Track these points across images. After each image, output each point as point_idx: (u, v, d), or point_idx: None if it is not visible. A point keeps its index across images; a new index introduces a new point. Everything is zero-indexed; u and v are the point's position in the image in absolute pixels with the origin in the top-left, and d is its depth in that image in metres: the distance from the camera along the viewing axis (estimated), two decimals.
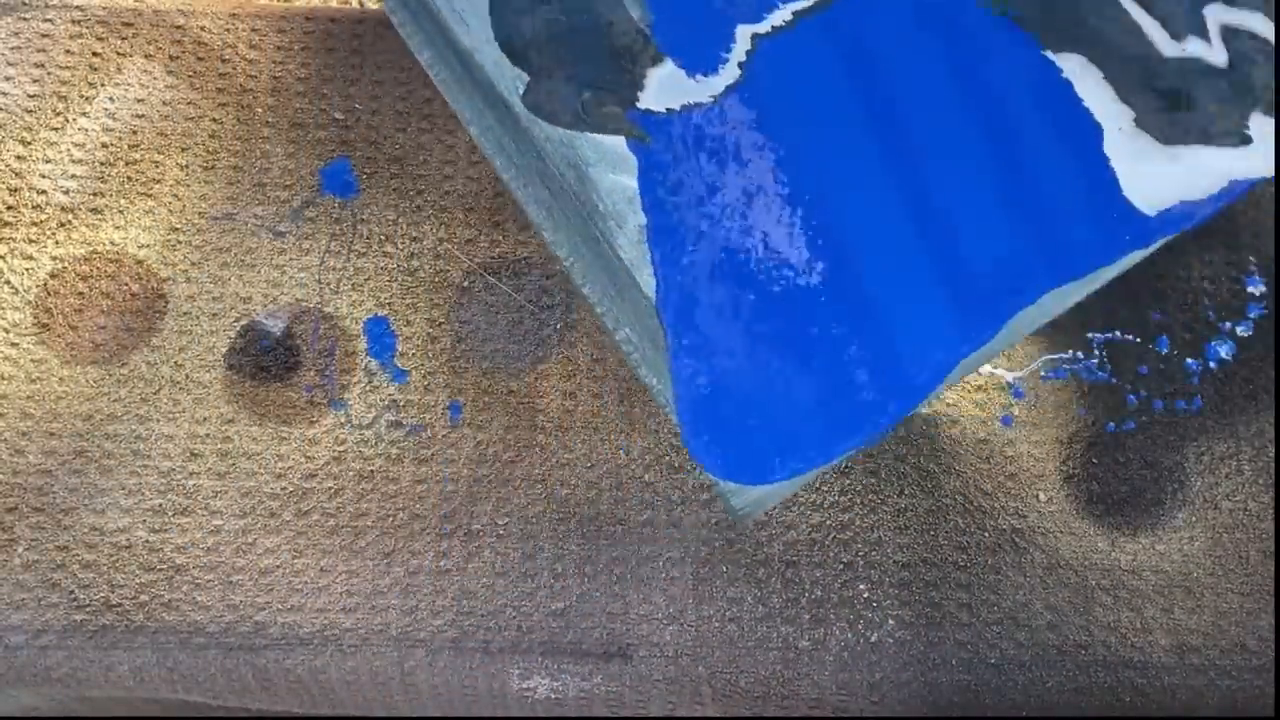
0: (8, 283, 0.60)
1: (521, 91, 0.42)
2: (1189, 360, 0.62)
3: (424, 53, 0.45)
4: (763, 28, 0.41)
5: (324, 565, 0.58)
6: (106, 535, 0.58)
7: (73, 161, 0.62)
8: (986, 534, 0.59)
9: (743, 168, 0.41)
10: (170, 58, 0.63)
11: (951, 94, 0.41)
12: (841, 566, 0.58)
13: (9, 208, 0.61)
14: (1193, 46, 0.43)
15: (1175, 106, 0.43)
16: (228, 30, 0.64)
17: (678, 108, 0.41)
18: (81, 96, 0.62)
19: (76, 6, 0.64)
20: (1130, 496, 0.60)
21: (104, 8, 0.64)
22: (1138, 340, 0.62)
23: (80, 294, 0.60)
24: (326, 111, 0.63)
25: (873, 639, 0.58)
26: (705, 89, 0.41)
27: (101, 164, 0.62)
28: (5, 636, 0.56)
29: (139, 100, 0.63)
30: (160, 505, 0.58)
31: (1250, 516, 0.60)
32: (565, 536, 0.59)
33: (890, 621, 0.58)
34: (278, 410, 0.60)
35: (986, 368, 0.61)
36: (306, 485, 0.59)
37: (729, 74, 0.41)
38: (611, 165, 0.42)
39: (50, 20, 0.63)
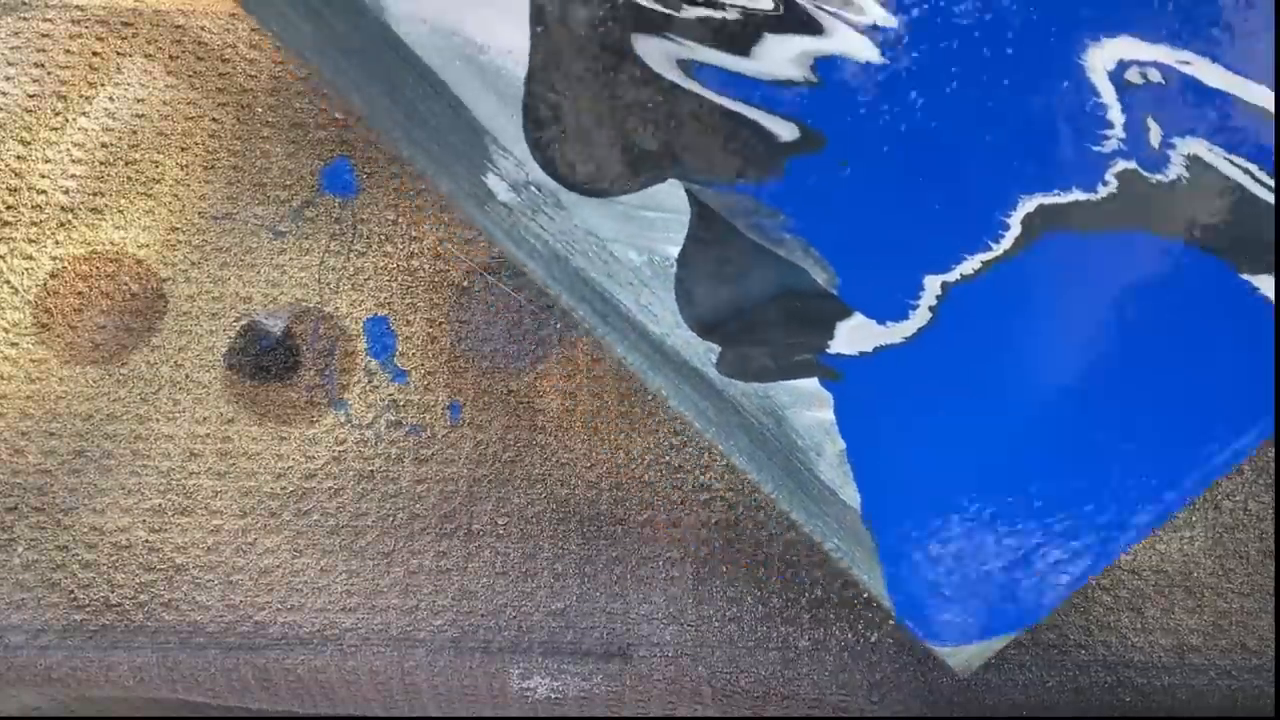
0: (7, 283, 0.60)
1: (715, 361, 0.44)
2: None
3: (616, 349, 0.46)
4: (951, 276, 0.42)
5: (324, 565, 0.58)
6: (106, 535, 0.58)
7: (72, 161, 0.62)
8: None
9: (938, 394, 0.44)
10: (170, 58, 0.63)
11: (1144, 312, 0.43)
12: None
13: (9, 208, 0.61)
14: None
15: None
16: (228, 30, 0.64)
17: (870, 349, 0.43)
18: (81, 96, 0.62)
19: (76, 6, 0.64)
20: None
21: (104, 8, 0.64)
22: None
23: (80, 294, 0.60)
24: (326, 111, 0.63)
25: (873, 639, 0.58)
26: (897, 332, 0.43)
27: (101, 164, 0.62)
28: (5, 636, 0.56)
29: (139, 100, 0.63)
30: (160, 505, 0.58)
31: (1250, 516, 0.60)
32: (565, 536, 0.59)
33: (890, 621, 0.58)
34: (278, 410, 0.60)
35: None
36: (306, 485, 0.59)
37: (920, 317, 0.43)
38: (807, 404, 0.44)
39: (50, 20, 0.63)
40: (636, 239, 0.43)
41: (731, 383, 0.45)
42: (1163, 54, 0.39)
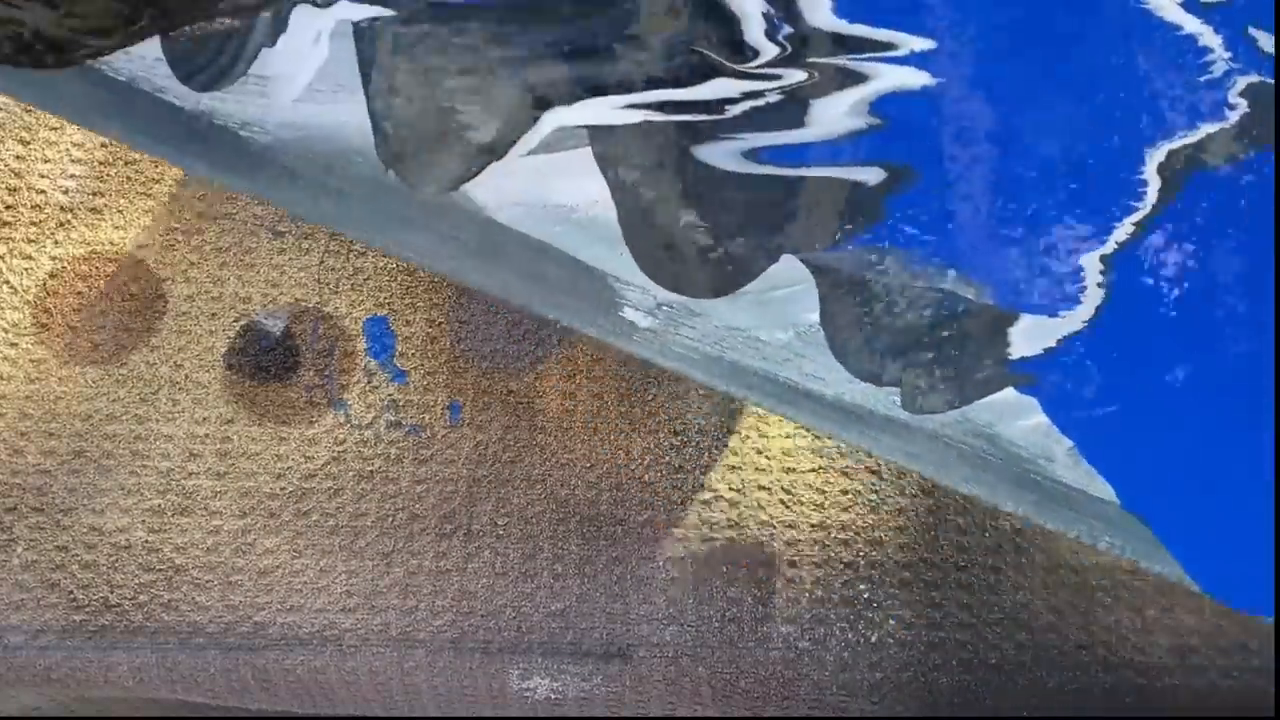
0: (7, 283, 0.60)
1: (899, 403, 0.43)
2: None
3: (801, 421, 0.45)
4: (1107, 249, 0.40)
5: (323, 565, 0.58)
6: (105, 535, 0.58)
7: (72, 161, 0.62)
8: (986, 534, 0.59)
9: (1150, 361, 0.41)
10: None
11: None
12: (842, 566, 0.58)
13: (8, 207, 0.61)
14: None
15: None
16: None
17: (1054, 344, 0.41)
18: None
19: None
20: None
21: None
22: None
23: (79, 294, 0.60)
24: None
25: (873, 639, 0.58)
26: (1075, 319, 0.41)
27: (100, 164, 0.62)
28: (5, 636, 0.56)
29: None
30: (159, 505, 0.58)
31: None
32: (565, 536, 0.58)
33: (891, 621, 0.58)
34: (277, 410, 0.59)
35: None
36: (306, 485, 0.59)
37: (1094, 297, 0.40)
38: (1014, 415, 0.42)
39: None
40: (777, 319, 0.43)
41: (926, 418, 0.43)
42: None
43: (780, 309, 0.43)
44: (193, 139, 0.41)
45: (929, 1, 0.38)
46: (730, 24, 0.37)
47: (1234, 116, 0.38)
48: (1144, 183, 0.39)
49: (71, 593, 0.57)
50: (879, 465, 0.60)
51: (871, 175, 0.39)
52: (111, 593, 0.57)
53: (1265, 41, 0.37)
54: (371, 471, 0.59)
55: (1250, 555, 0.42)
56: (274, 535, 0.58)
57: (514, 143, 0.40)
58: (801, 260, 0.41)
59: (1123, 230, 0.40)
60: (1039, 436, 0.43)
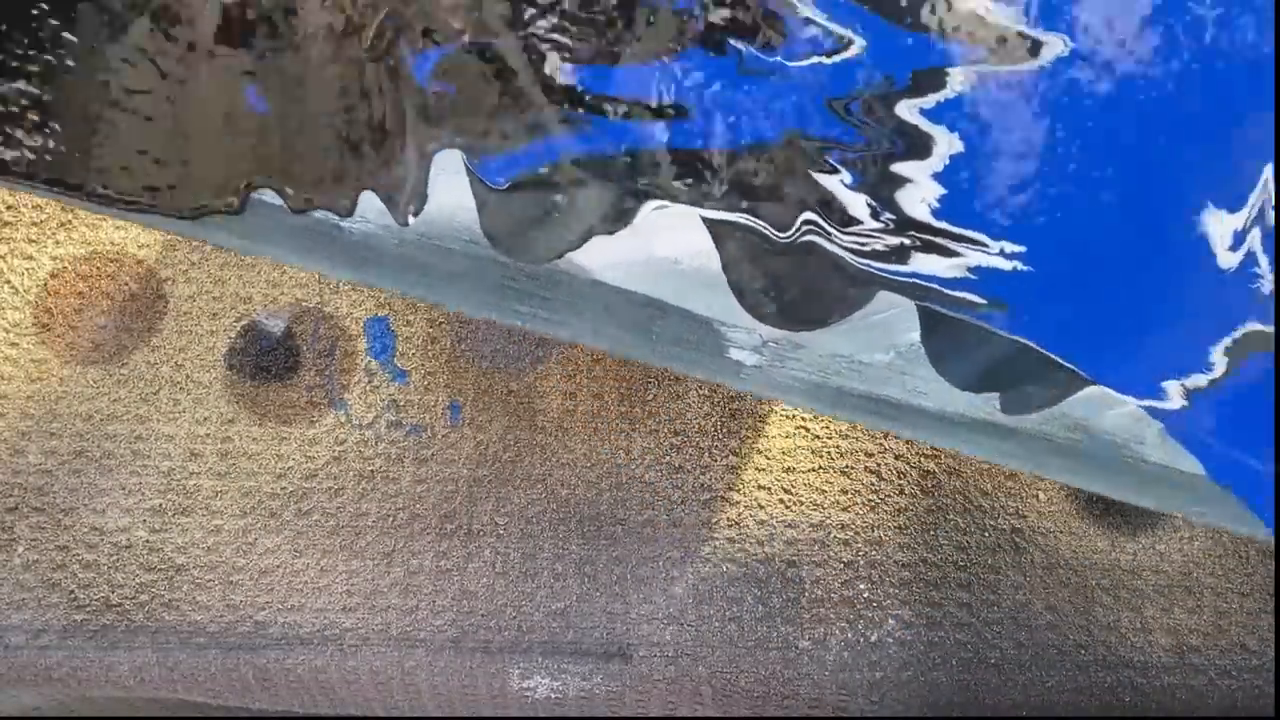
0: (8, 283, 0.60)
1: (999, 406, 0.47)
2: None
3: (906, 435, 0.49)
4: (1185, 381, 0.44)
5: (324, 565, 0.58)
6: (107, 535, 0.58)
7: None
8: (986, 534, 0.59)
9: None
10: None
11: None
12: (842, 566, 0.59)
13: (9, 207, 0.61)
14: None
15: None
16: None
17: None
18: None
19: None
20: None
21: None
22: None
23: (80, 294, 0.60)
24: None
25: (873, 639, 0.58)
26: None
27: None
28: (5, 636, 0.56)
29: None
30: (160, 505, 0.58)
31: None
32: (565, 536, 0.59)
33: (890, 621, 0.58)
34: (278, 410, 0.60)
35: None
36: (307, 485, 0.59)
37: (1177, 401, 0.46)
38: (1107, 406, 0.47)
39: None
40: (877, 342, 0.46)
41: (1024, 417, 0.47)
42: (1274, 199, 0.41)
43: (880, 333, 0.46)
44: (292, 234, 0.42)
45: (1019, 219, 0.41)
46: (840, 209, 0.41)
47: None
48: (1212, 363, 0.45)
49: (72, 592, 0.57)
50: (879, 465, 0.60)
51: (974, 298, 0.44)
52: (112, 592, 0.57)
53: None
54: (372, 471, 0.59)
55: None
56: (275, 535, 0.58)
57: (615, 227, 0.42)
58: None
59: (1195, 380, 0.45)
60: (1131, 422, 0.47)
